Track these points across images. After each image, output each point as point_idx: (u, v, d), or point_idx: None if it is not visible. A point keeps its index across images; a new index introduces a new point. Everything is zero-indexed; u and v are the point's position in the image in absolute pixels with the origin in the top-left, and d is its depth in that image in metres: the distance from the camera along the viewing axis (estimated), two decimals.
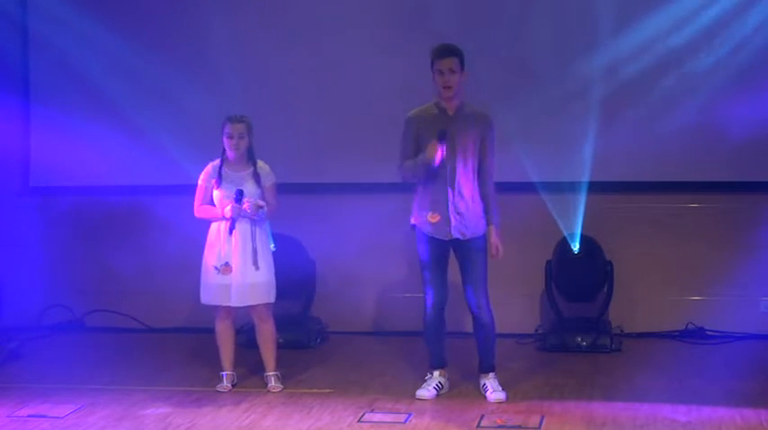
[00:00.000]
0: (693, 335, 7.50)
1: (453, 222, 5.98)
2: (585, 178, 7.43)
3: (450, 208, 5.97)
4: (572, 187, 7.41)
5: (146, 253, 8.08)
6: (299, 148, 7.84)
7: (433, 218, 6.01)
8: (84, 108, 8.11)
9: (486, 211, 6.04)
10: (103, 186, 8.14)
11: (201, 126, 7.77)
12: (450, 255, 6.11)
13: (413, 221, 6.11)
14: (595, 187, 7.43)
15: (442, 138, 5.85)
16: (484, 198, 6.04)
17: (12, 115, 8.19)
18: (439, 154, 5.85)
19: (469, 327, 6.26)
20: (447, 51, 5.92)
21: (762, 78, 7.46)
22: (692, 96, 7.50)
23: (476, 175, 6.01)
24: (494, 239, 6.03)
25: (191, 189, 7.42)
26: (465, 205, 5.98)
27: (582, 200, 7.38)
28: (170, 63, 7.98)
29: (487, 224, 6.04)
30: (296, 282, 7.00)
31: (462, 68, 5.94)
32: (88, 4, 8.10)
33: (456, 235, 5.99)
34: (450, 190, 5.96)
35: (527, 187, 7.39)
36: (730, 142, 7.45)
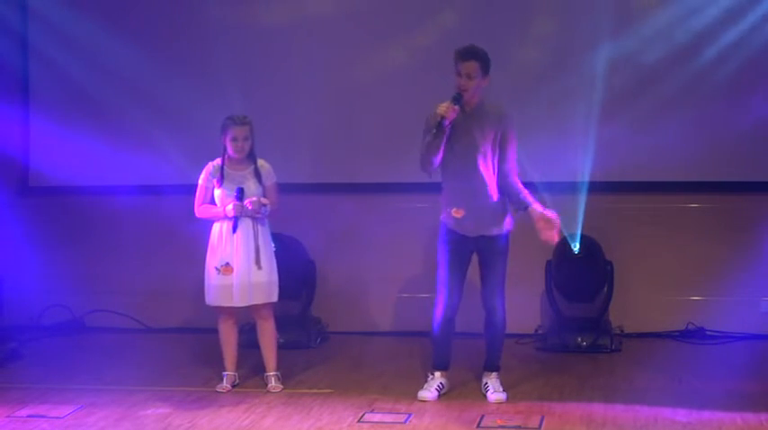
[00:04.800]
0: (693, 335, 7.50)
1: (476, 218, 5.96)
2: (585, 178, 7.42)
3: (474, 204, 5.94)
4: (572, 187, 7.40)
5: (146, 253, 8.09)
6: (299, 148, 7.85)
7: (458, 212, 5.98)
8: (83, 108, 8.11)
9: (516, 199, 5.93)
10: (103, 186, 8.13)
11: (201, 126, 7.76)
12: (472, 260, 6.09)
13: (441, 217, 6.07)
14: (595, 187, 7.42)
15: (457, 100, 5.81)
16: (507, 189, 5.95)
17: (11, 116, 8.19)
18: (451, 114, 5.79)
19: (473, 328, 6.28)
20: (468, 54, 5.86)
21: (762, 78, 7.46)
22: (692, 96, 7.50)
23: (496, 172, 5.97)
24: (541, 212, 5.82)
25: (191, 189, 7.43)
26: (488, 201, 5.96)
27: (582, 200, 7.37)
28: (170, 63, 7.98)
29: (527, 206, 5.89)
30: (296, 282, 6.99)
31: (484, 74, 5.86)
32: (87, 7, 8.10)
33: (480, 231, 5.97)
34: (472, 186, 5.93)
35: (527, 187, 7.35)
36: (730, 142, 7.46)
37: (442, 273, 6.04)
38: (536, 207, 5.88)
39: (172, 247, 8.00)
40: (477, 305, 6.13)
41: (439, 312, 6.08)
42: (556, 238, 5.89)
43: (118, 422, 5.71)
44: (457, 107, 5.82)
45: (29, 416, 5.82)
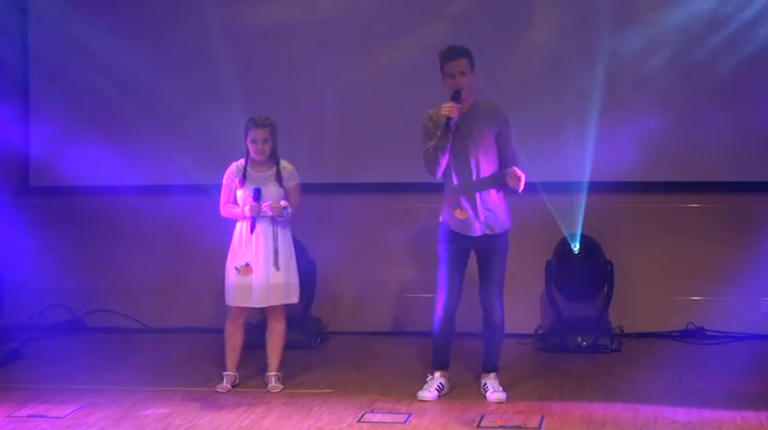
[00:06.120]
0: (693, 335, 7.50)
1: (482, 217, 5.97)
2: (585, 178, 7.42)
3: (479, 203, 5.96)
4: (572, 187, 7.41)
5: (146, 253, 8.08)
6: (300, 148, 7.81)
7: (461, 214, 5.99)
8: (83, 108, 8.12)
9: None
10: (103, 186, 8.13)
11: (201, 126, 7.78)
12: (470, 259, 6.10)
13: (441, 218, 6.10)
14: (595, 187, 7.42)
15: (457, 98, 5.84)
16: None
17: (11, 115, 8.19)
18: (455, 113, 5.81)
19: (471, 328, 6.26)
20: (456, 53, 5.88)
21: (762, 78, 7.46)
22: (692, 97, 7.50)
23: (498, 170, 5.99)
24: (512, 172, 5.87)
25: (194, 189, 7.46)
26: (492, 200, 5.98)
27: (582, 200, 7.37)
28: (172, 63, 7.99)
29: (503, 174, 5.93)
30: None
31: (472, 69, 5.91)
32: (88, 6, 8.10)
33: (485, 230, 5.98)
34: (476, 186, 5.95)
35: (527, 187, 7.35)
36: (730, 142, 7.46)
37: (442, 273, 6.05)
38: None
39: (172, 247, 8.00)
40: (477, 304, 6.12)
41: (439, 312, 6.08)
42: (520, 188, 5.86)
43: (118, 422, 5.71)
44: (459, 105, 5.84)
45: (29, 416, 5.82)
